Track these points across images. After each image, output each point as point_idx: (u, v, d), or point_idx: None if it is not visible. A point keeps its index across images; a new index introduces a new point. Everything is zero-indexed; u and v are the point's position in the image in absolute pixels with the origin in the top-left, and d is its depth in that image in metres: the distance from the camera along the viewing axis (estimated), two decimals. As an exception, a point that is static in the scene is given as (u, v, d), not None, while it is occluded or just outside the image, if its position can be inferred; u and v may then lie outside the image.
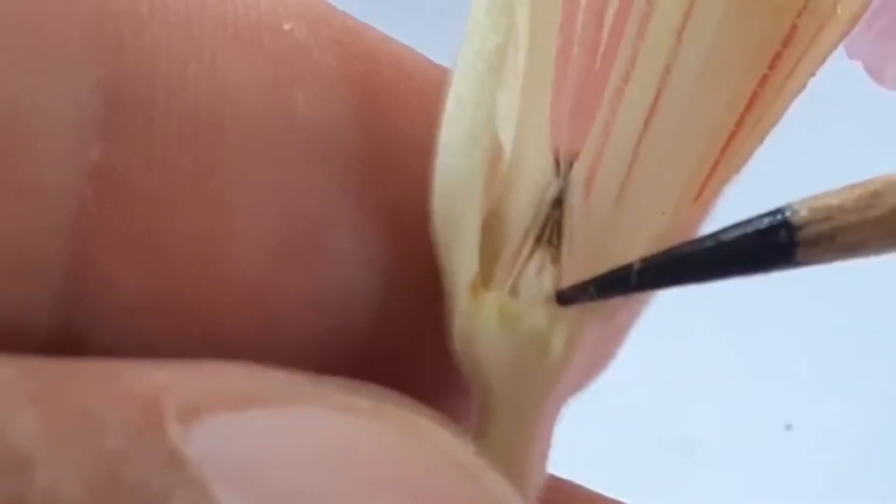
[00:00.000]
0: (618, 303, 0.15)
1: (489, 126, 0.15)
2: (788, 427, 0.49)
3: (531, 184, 0.15)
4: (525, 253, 0.15)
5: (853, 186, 0.14)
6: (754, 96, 0.15)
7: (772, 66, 0.14)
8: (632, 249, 0.15)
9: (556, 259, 0.15)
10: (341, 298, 0.16)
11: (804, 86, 0.15)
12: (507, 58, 0.15)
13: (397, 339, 0.16)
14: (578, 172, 0.15)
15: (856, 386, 0.49)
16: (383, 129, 0.16)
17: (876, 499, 0.47)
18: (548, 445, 0.16)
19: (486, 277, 0.15)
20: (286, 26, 0.16)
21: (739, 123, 0.15)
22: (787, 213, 0.14)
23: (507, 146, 0.15)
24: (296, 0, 0.16)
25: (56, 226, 0.15)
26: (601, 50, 0.15)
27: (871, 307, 0.51)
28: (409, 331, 0.16)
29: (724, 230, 0.14)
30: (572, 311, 0.15)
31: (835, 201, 0.14)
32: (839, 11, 0.14)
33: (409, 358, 0.16)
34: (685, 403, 0.48)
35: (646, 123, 0.15)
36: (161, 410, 0.12)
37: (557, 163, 0.15)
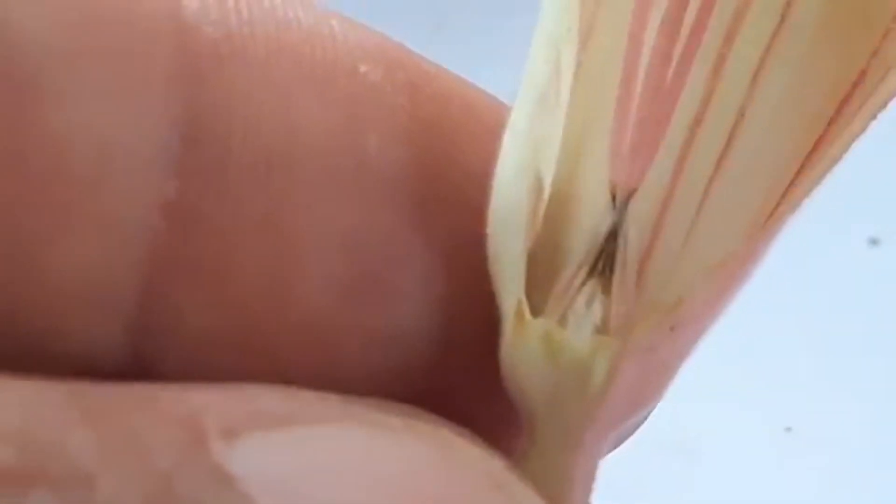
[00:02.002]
0: (659, 334, 0.16)
1: (536, 157, 0.16)
2: (788, 429, 0.49)
3: (586, 216, 0.16)
4: (577, 283, 0.16)
5: None
6: (820, 137, 0.15)
7: (840, 109, 0.15)
8: (690, 283, 0.15)
9: (606, 290, 0.15)
10: (405, 337, 0.16)
11: (865, 128, 0.15)
12: (552, 90, 0.16)
13: (457, 375, 0.17)
14: (636, 208, 0.15)
15: (856, 388, 0.50)
16: (453, 171, 0.17)
17: (876, 501, 0.48)
18: (592, 477, 0.16)
19: (537, 306, 0.16)
20: (362, 69, 0.16)
21: (804, 163, 0.15)
22: None
23: (548, 180, 0.16)
24: (372, 43, 0.16)
25: (131, 259, 0.15)
26: (666, 88, 0.15)
27: (872, 309, 0.51)
28: (469, 368, 0.17)
29: None
30: (614, 343, 0.15)
31: None
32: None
33: (468, 394, 0.17)
34: (685, 405, 0.48)
35: (717, 165, 0.15)
36: (203, 430, 0.13)
37: (614, 196, 0.15)
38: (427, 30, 0.50)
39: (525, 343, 0.15)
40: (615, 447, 0.18)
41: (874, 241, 0.53)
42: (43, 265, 0.15)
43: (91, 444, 0.12)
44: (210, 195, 0.15)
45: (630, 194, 0.15)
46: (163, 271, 0.15)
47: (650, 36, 0.15)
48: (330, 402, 0.14)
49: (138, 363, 0.15)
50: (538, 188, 0.16)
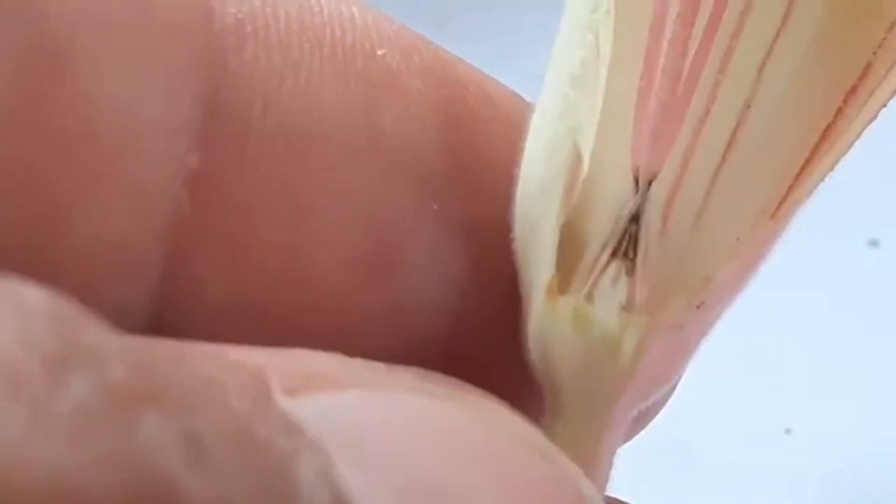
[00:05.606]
0: (686, 312, 0.17)
1: (570, 137, 0.17)
2: (788, 431, 0.50)
3: (610, 198, 0.17)
4: (601, 263, 0.17)
5: None
6: (828, 127, 0.16)
7: (846, 100, 0.16)
8: (706, 267, 0.16)
9: (630, 271, 0.17)
10: (417, 311, 0.18)
11: (875, 116, 0.16)
12: (590, 72, 0.17)
13: (469, 354, 0.18)
14: (657, 192, 0.16)
15: (856, 390, 0.50)
16: (466, 152, 0.18)
17: (875, 503, 0.48)
18: (614, 452, 0.18)
19: (562, 285, 0.17)
20: (379, 52, 0.17)
21: (813, 152, 0.16)
22: None
23: (587, 157, 0.17)
24: (390, 28, 0.18)
25: (154, 227, 0.16)
26: (683, 78, 0.16)
27: (872, 310, 0.52)
28: (482, 346, 0.18)
29: None
30: (643, 319, 0.16)
31: None
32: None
33: (481, 372, 0.17)
34: (684, 407, 0.49)
35: (724, 154, 0.16)
36: (267, 383, 0.14)
37: (636, 180, 0.17)
38: (431, 28, 0.51)
39: (555, 318, 0.16)
40: (637, 432, 0.19)
41: (874, 243, 0.54)
42: (69, 228, 0.16)
43: (184, 380, 0.13)
44: (230, 167, 0.17)
45: (652, 178, 0.16)
46: (185, 240, 0.16)
47: (669, 25, 0.16)
48: (378, 370, 0.15)
49: (160, 330, 0.16)
50: (575, 165, 0.17)
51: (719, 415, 0.50)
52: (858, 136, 0.16)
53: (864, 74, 0.16)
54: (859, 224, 0.53)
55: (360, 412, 0.14)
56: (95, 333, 0.13)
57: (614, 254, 0.17)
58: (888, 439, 0.49)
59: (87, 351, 0.13)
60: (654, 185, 0.16)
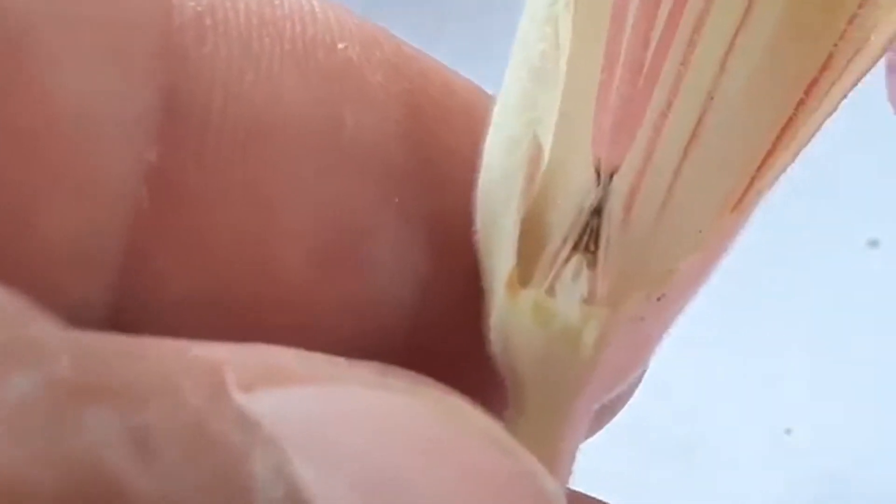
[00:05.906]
0: (647, 305, 0.17)
1: (530, 129, 0.17)
2: (788, 431, 0.50)
3: (571, 191, 0.17)
4: (563, 257, 0.17)
5: None
6: (790, 119, 0.16)
7: (808, 91, 0.16)
8: (668, 260, 0.16)
9: (592, 265, 0.17)
10: (379, 306, 0.18)
11: (836, 107, 0.16)
12: (550, 65, 0.17)
13: (432, 347, 0.18)
14: (619, 185, 0.16)
15: (856, 390, 0.50)
16: (429, 145, 0.18)
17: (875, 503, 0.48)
18: (576, 446, 0.18)
19: (524, 277, 0.17)
20: (340, 45, 0.17)
21: (775, 144, 0.16)
22: None
23: (547, 149, 0.17)
24: (351, 22, 0.18)
25: (113, 222, 0.16)
26: (644, 70, 0.16)
27: (871, 311, 0.52)
28: (445, 340, 0.18)
29: None
30: (603, 311, 0.16)
31: None
32: (873, 39, 0.16)
33: (443, 365, 0.17)
34: (684, 407, 0.49)
35: (686, 146, 0.16)
36: (223, 377, 0.13)
37: (598, 173, 0.17)
38: (430, 26, 0.51)
39: (517, 311, 0.16)
40: (601, 426, 0.19)
41: (873, 243, 0.54)
42: (28, 224, 0.16)
43: (136, 375, 0.13)
44: (190, 162, 0.17)
45: (614, 171, 0.16)
46: (145, 235, 0.16)
47: (630, 17, 0.16)
48: (338, 364, 0.15)
49: (121, 325, 0.16)
50: (536, 157, 0.17)
51: (719, 414, 0.50)
52: (820, 127, 0.16)
53: (825, 67, 0.16)
54: (859, 224, 0.53)
55: (317, 407, 0.14)
56: (43, 328, 0.13)
57: (575, 247, 0.17)
58: (888, 439, 0.49)
59: (33, 345, 0.12)
60: (615, 177, 0.16)
